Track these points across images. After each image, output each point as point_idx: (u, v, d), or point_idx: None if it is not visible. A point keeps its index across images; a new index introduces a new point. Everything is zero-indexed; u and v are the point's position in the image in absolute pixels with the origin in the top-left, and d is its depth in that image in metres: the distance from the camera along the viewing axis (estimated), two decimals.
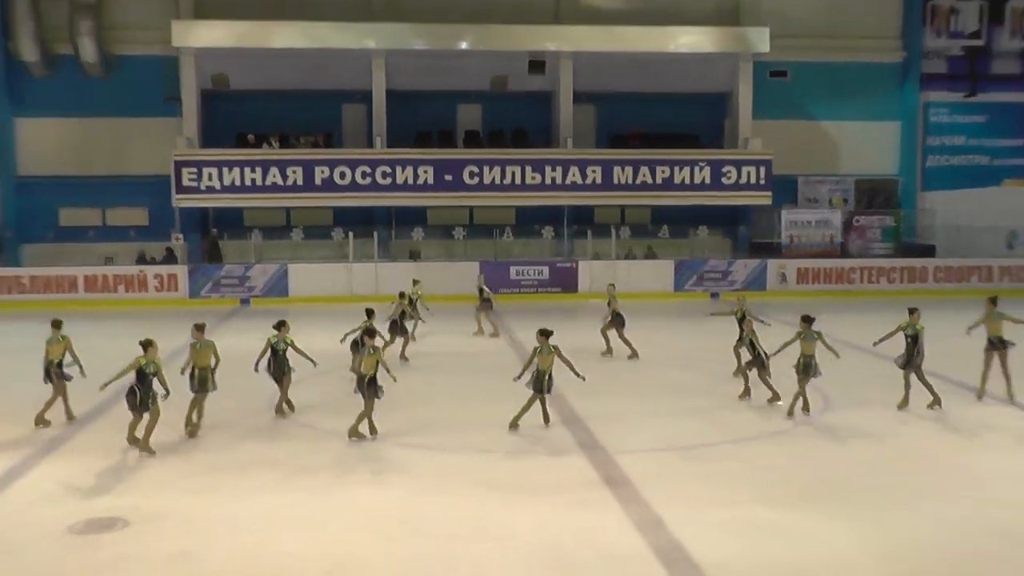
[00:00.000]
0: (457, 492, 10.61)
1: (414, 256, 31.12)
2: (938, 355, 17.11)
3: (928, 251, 32.44)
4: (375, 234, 29.85)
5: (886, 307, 26.91)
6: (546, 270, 29.65)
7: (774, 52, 31.21)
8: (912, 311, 13.98)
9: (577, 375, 12.67)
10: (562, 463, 11.74)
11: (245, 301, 28.33)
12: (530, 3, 31.54)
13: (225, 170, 29.02)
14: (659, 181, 30.46)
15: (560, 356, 12.68)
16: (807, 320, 13.69)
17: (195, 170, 28.99)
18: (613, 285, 20.28)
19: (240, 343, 21.20)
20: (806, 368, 13.40)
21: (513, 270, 29.42)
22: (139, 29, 30.79)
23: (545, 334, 12.79)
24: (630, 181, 30.13)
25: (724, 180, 30.70)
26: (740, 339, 15.83)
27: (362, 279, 28.61)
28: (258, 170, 29.17)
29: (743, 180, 30.72)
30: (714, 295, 29.61)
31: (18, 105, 30.98)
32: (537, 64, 31.01)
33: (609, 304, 19.65)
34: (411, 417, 14.23)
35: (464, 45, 30.21)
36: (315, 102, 31.38)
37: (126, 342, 22.02)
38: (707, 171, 30.61)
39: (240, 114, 31.23)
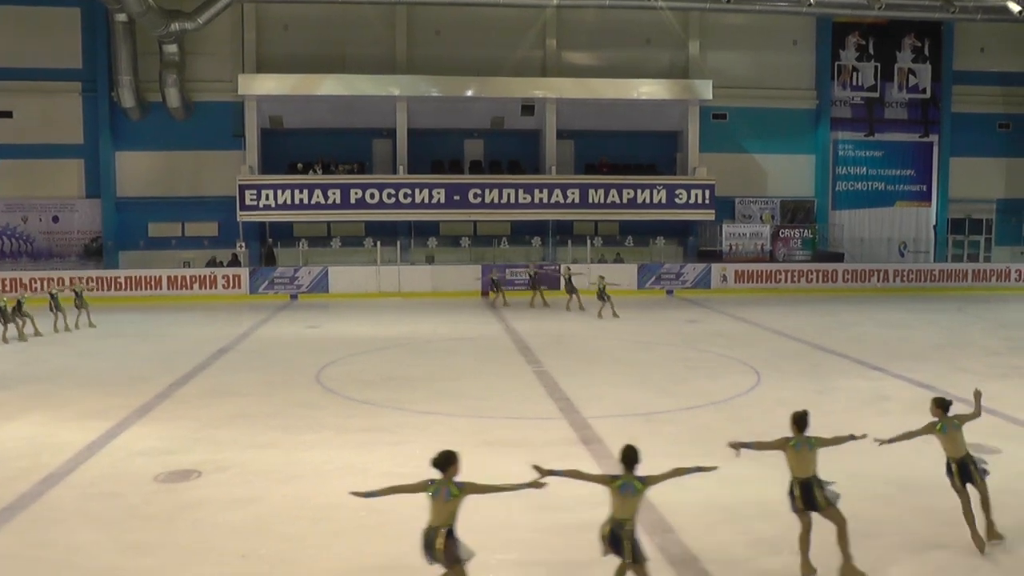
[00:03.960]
0: (465, 448, 10.69)
1: (429, 260, 30.58)
2: (850, 341, 17.65)
3: (838, 257, 32.31)
4: (398, 243, 29.59)
5: (805, 301, 27.10)
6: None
7: (716, 99, 31.07)
8: (941, 403, 6.88)
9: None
10: (547, 425, 11.48)
11: (294, 296, 28.10)
12: (523, 60, 30.85)
13: (279, 192, 28.75)
14: (625, 201, 30.28)
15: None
16: (942, 405, 6.84)
17: (255, 192, 28.81)
18: (603, 276, 22.66)
19: (288, 329, 21.33)
20: (963, 472, 6.78)
21: (508, 271, 29.43)
22: (213, 81, 30.41)
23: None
24: (602, 200, 29.81)
25: (677, 200, 30.40)
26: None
27: (387, 279, 28.23)
28: (305, 192, 28.88)
29: (692, 200, 30.42)
30: (669, 292, 29.18)
31: (119, 142, 30.54)
32: (528, 108, 30.97)
33: (601, 288, 22.31)
34: (430, 389, 13.83)
35: (470, 92, 29.99)
36: (351, 137, 31.23)
37: (197, 328, 21.76)
38: (663, 193, 30.31)
39: (291, 147, 30.94)
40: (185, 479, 9.40)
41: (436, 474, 5.71)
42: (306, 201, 28.82)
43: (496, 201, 29.54)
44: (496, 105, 31.28)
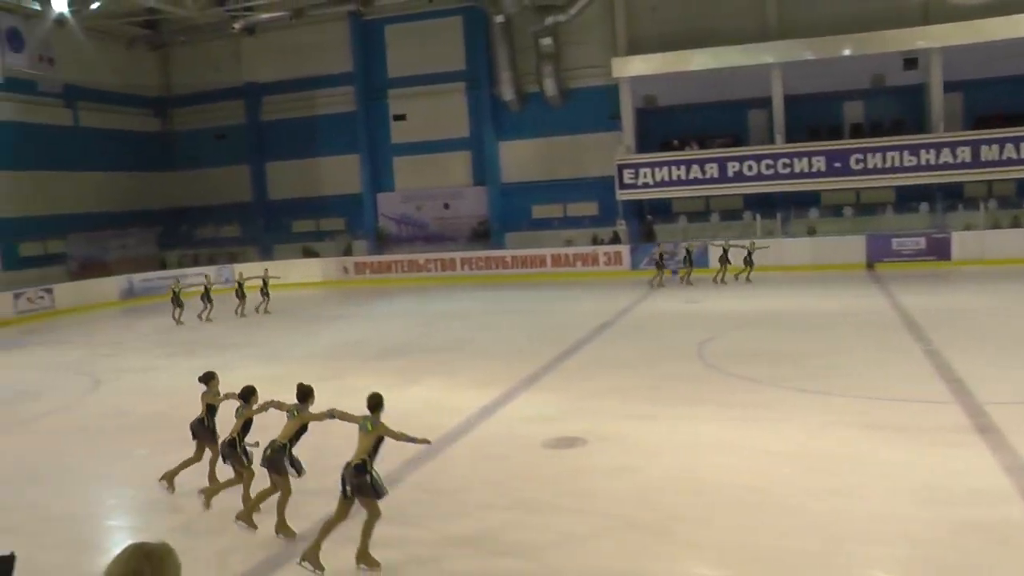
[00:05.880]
0: (843, 430, 11.54)
1: (810, 232, 34.16)
2: None
3: None
4: (777, 215, 34.10)
5: None
6: (923, 241, 31.88)
7: None
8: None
9: None
10: (936, 409, 12.38)
11: (675, 271, 32.65)
12: (902, 10, 33.82)
13: (656, 169, 35.08)
14: None
15: None
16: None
17: (633, 171, 35.16)
18: (753, 242, 27.25)
19: (668, 304, 25.79)
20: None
21: (894, 242, 32.00)
22: (587, 67, 37.37)
23: None
24: (996, 158, 32.02)
25: None
26: None
27: (768, 252, 32.23)
28: (682, 168, 34.95)
29: None
30: None
31: (501, 133, 39.30)
32: (910, 61, 33.82)
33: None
34: (810, 366, 15.83)
35: (847, 52, 33.37)
36: (725, 110, 36.55)
37: (580, 304, 26.80)
38: None
39: (666, 125, 37.02)
40: (571, 446, 11.50)
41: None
42: (683, 177, 34.75)
43: (879, 166, 32.88)
44: (875, 62, 34.08)
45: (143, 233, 42.36)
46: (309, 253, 41.28)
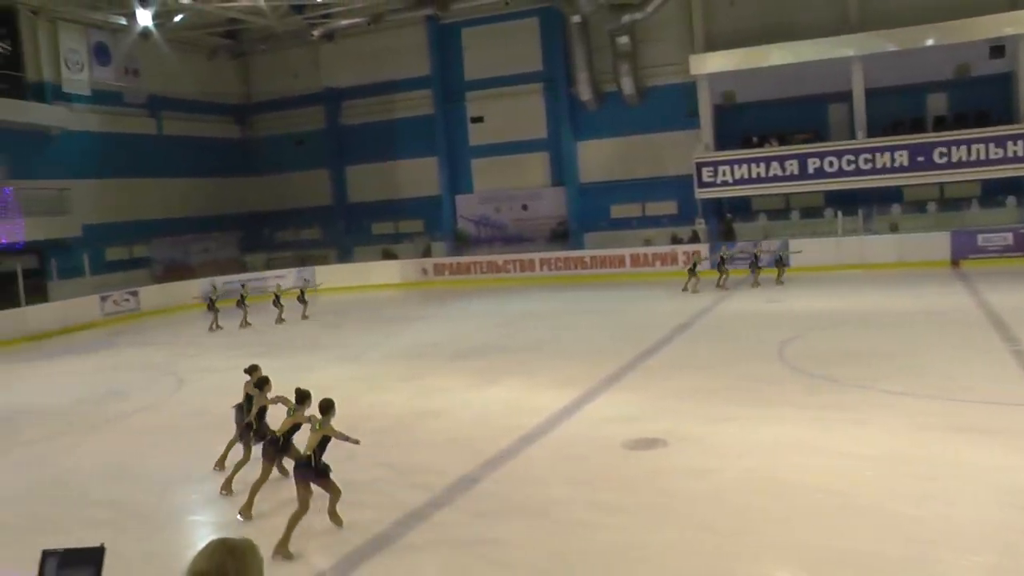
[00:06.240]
0: (932, 434, 11.37)
1: (893, 229, 33.47)
2: None
3: None
4: (859, 211, 33.29)
5: None
6: (1010, 236, 30.96)
7: None
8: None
9: None
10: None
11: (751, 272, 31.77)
12: None
13: (735, 167, 34.73)
14: None
15: None
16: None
17: (712, 169, 34.88)
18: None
19: (749, 304, 25.62)
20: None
21: (980, 238, 31.17)
22: (664, 65, 37.22)
23: None
24: None
25: None
26: None
27: (849, 250, 32.34)
28: (761, 165, 34.53)
29: None
30: None
31: (579, 132, 39.38)
32: (997, 49, 32.84)
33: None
34: (893, 366, 15.56)
35: (930, 42, 32.61)
36: (804, 105, 35.99)
37: (660, 304, 26.83)
38: None
39: (745, 121, 36.65)
40: (651, 447, 11.56)
41: None
42: (763, 174, 34.37)
43: (964, 159, 32.07)
44: (959, 51, 33.29)
45: (225, 237, 43.68)
46: (388, 255, 41.92)
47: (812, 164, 34.45)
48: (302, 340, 25.06)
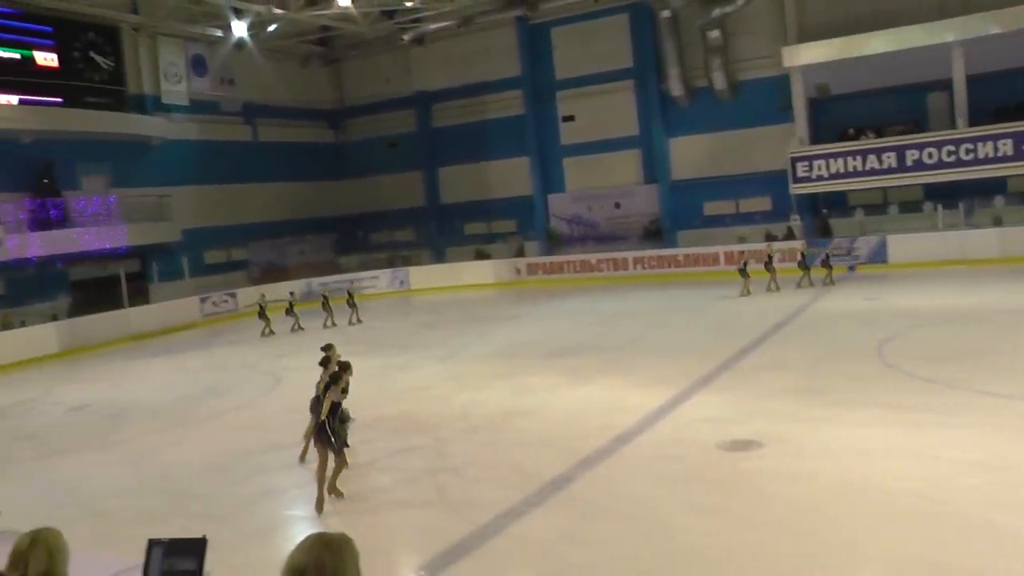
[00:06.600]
0: None
1: (996, 222, 32.32)
2: None
3: None
4: (960, 205, 32.36)
5: None
6: None
7: None
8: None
9: None
10: None
11: (852, 268, 32.11)
12: None
13: (831, 161, 33.91)
14: None
15: None
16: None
17: (807, 163, 34.13)
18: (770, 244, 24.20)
19: (846, 302, 25.07)
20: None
21: None
22: (756, 58, 36.74)
23: None
24: None
25: None
26: None
27: (950, 244, 31.38)
28: (858, 158, 33.56)
29: None
30: None
31: (670, 129, 39.13)
32: None
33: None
34: (997, 367, 15.12)
35: None
36: (902, 95, 34.92)
37: (754, 302, 26.41)
38: None
39: (840, 114, 35.85)
40: (745, 448, 11.45)
41: None
42: (859, 168, 33.40)
43: None
44: None
45: (320, 239, 44.87)
46: (481, 255, 42.26)
47: (910, 156, 33.43)
48: (396, 339, 25.56)
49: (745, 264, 29.08)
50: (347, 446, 11.19)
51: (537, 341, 22.97)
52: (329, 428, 10.73)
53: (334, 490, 10.92)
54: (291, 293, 31.63)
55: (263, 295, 30.79)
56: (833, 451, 11.13)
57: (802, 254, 29.74)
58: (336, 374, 11.33)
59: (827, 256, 29.92)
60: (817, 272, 29.27)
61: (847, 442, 11.47)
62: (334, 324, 29.46)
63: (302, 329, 29.11)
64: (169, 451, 14.76)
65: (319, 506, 10.61)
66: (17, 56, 32.45)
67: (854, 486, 9.79)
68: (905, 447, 11.03)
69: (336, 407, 10.92)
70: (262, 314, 29.29)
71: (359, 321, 29.64)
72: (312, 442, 11.62)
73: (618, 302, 29.85)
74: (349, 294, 31.03)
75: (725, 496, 9.91)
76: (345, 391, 11.42)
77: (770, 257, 29.30)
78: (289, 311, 29.85)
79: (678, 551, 8.59)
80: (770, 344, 19.55)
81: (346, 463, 11.02)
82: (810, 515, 9.15)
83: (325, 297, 30.39)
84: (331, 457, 10.77)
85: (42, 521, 4.77)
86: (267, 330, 29.16)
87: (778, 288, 28.54)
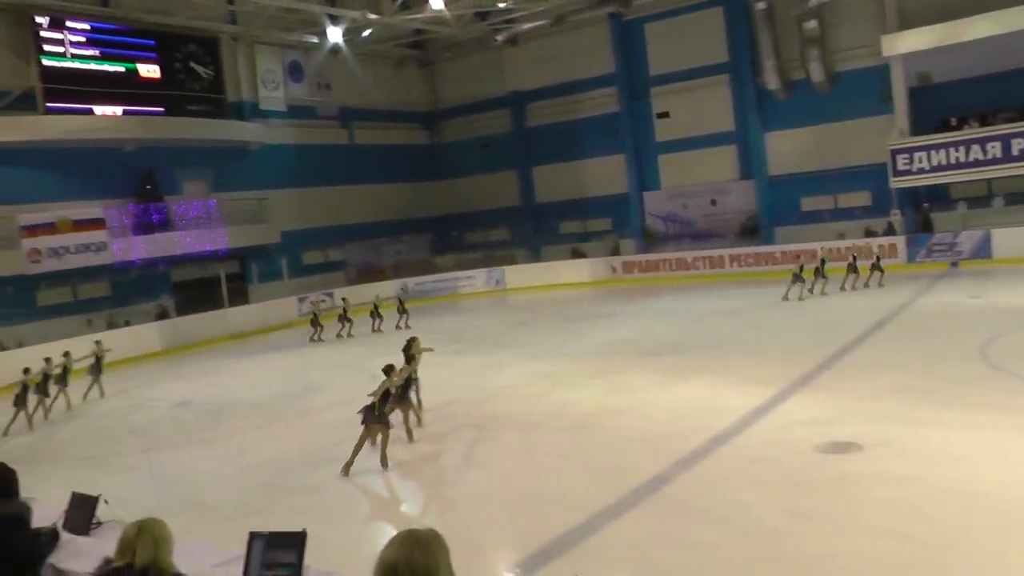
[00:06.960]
0: None
1: None
2: None
3: None
4: None
5: None
6: None
7: None
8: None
9: None
10: None
11: (954, 264, 31.36)
12: None
13: (932, 152, 32.81)
14: None
15: None
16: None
17: (907, 156, 33.13)
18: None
19: (948, 299, 24.47)
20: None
21: None
22: (854, 48, 35.89)
23: None
24: None
25: None
26: None
27: None
28: (961, 149, 32.49)
29: None
30: None
31: (767, 123, 38.54)
32: None
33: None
34: None
35: None
36: (1008, 81, 33.53)
37: (853, 300, 26.07)
38: None
39: (942, 103, 34.58)
40: (844, 451, 11.25)
41: None
42: (962, 159, 32.40)
43: None
44: None
45: (416, 240, 45.53)
46: (577, 254, 42.24)
47: (1017, 145, 32.04)
48: (492, 338, 25.94)
49: (801, 268, 28.12)
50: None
51: (632, 340, 22.90)
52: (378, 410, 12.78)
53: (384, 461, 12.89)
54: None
55: (314, 302, 32.45)
56: (937, 455, 10.83)
57: (853, 256, 29.11)
58: (388, 367, 13.62)
59: (877, 259, 29.37)
60: (864, 271, 28.77)
61: (952, 446, 11.15)
62: (380, 330, 30.31)
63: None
64: (268, 446, 15.33)
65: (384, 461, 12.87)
66: (122, 69, 33.73)
67: (960, 492, 9.50)
68: (1014, 452, 10.66)
69: (387, 393, 13.09)
70: (315, 321, 30.30)
71: (407, 327, 29.86)
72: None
73: (714, 300, 29.69)
74: (400, 301, 31.76)
75: (823, 500, 9.76)
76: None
77: (854, 257, 28.94)
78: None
79: (774, 555, 8.50)
80: (870, 343, 19.11)
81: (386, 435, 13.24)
82: (913, 521, 8.91)
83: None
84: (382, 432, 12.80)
85: (147, 512, 5.09)
86: (316, 336, 30.04)
87: (867, 286, 28.17)
